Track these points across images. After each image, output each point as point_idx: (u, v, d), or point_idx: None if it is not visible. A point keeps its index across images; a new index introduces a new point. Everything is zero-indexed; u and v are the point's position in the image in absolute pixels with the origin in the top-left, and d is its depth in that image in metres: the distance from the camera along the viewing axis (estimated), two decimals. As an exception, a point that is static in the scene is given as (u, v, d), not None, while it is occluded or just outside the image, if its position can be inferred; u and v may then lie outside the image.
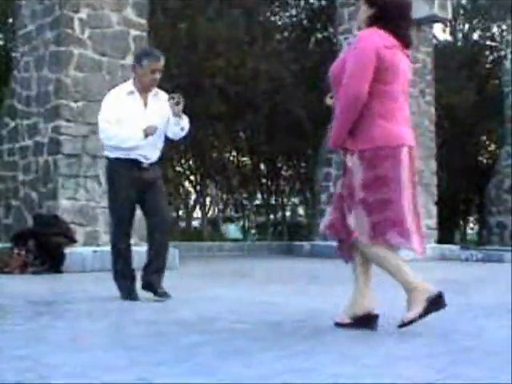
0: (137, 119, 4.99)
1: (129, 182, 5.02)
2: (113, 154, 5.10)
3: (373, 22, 3.66)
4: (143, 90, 5.07)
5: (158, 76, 5.04)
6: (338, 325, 3.72)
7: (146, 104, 5.08)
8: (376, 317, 3.65)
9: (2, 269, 7.43)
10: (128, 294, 5.06)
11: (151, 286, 5.08)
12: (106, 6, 9.05)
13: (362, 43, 3.59)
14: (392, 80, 3.59)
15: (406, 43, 3.70)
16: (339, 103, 3.60)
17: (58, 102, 8.69)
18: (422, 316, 3.52)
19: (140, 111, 5.03)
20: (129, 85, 5.15)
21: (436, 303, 3.55)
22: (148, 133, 4.94)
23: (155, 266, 5.12)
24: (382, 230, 3.52)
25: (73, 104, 8.74)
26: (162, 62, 5.06)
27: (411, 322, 3.52)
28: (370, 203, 3.51)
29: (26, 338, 3.34)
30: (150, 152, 5.09)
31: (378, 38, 3.57)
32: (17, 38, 9.67)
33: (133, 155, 5.01)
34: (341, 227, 3.67)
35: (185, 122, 5.09)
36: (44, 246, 7.69)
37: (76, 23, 8.78)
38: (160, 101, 5.11)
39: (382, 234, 3.52)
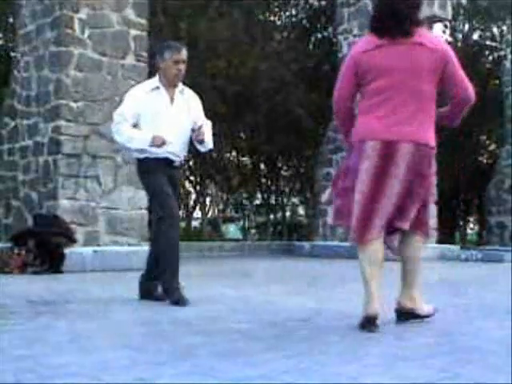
0: (162, 115, 4.89)
1: (165, 177, 4.88)
2: (142, 155, 4.95)
3: (369, 30, 3.93)
4: (169, 84, 4.96)
5: (181, 67, 4.92)
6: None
7: (172, 100, 4.97)
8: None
9: (2, 269, 7.43)
10: (178, 298, 4.73)
11: (150, 293, 5.03)
12: (106, 6, 9.06)
13: (348, 53, 3.99)
14: (374, 78, 3.74)
15: (397, 35, 3.73)
16: None
17: (57, 102, 8.70)
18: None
19: (166, 107, 4.93)
20: (154, 81, 5.03)
21: (363, 325, 3.64)
22: (154, 143, 4.79)
23: (154, 274, 5.02)
24: (343, 213, 3.87)
25: (73, 104, 8.74)
26: (183, 52, 4.95)
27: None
28: (339, 189, 3.92)
29: (26, 338, 3.34)
30: (180, 150, 5.00)
31: (360, 44, 3.89)
32: (17, 38, 9.67)
33: (162, 154, 4.89)
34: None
35: (208, 144, 5.00)
36: (44, 246, 7.69)
37: (76, 23, 8.78)
38: (186, 98, 5.04)
39: (342, 218, 3.88)
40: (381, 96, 3.73)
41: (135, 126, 4.93)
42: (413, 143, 3.73)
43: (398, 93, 3.71)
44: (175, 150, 4.97)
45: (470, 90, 3.93)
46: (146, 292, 5.07)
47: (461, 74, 3.96)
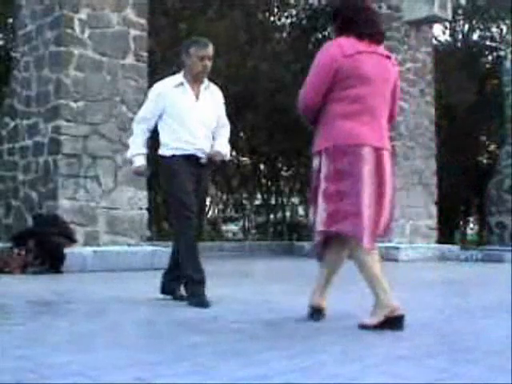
0: (188, 112, 4.85)
1: (189, 176, 4.82)
2: (169, 152, 4.89)
3: (340, 31, 3.94)
4: (194, 80, 4.92)
5: (207, 63, 4.89)
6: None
7: (197, 96, 4.93)
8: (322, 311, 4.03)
9: (2, 269, 7.43)
10: (200, 299, 4.67)
11: (172, 291, 5.02)
12: (106, 6, 9.06)
13: (321, 55, 3.89)
14: (355, 85, 3.80)
15: (373, 43, 3.88)
16: None
17: (57, 102, 8.69)
18: (375, 327, 3.64)
19: (191, 103, 4.88)
20: (178, 77, 4.97)
21: (392, 324, 3.64)
22: (135, 171, 5.02)
23: (177, 273, 4.96)
24: (337, 219, 3.75)
25: (73, 104, 8.74)
26: (210, 48, 4.90)
27: (364, 327, 3.67)
28: (329, 193, 3.76)
29: (26, 338, 3.34)
30: (207, 146, 4.94)
31: (338, 49, 3.82)
32: (17, 38, 9.67)
33: (191, 150, 4.85)
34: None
35: (226, 155, 5.11)
36: (44, 246, 7.69)
37: (76, 23, 8.78)
38: (212, 94, 5.03)
39: (336, 223, 3.75)
40: (363, 103, 3.82)
41: (160, 117, 4.92)
42: (388, 150, 3.90)
43: (377, 101, 3.86)
44: (203, 146, 4.91)
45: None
46: (170, 291, 5.05)
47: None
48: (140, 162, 4.94)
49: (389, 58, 3.95)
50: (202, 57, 4.87)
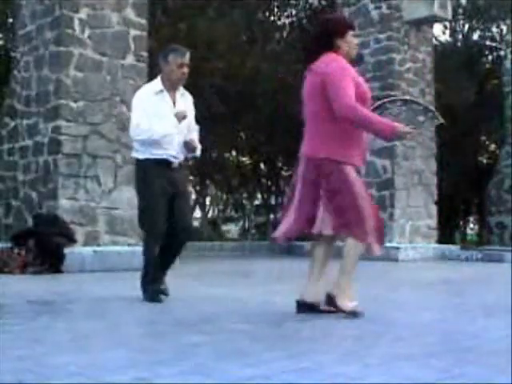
0: (166, 118, 4.94)
1: (162, 181, 4.95)
2: (143, 155, 5.02)
3: None
4: (172, 87, 5.03)
5: (185, 70, 5.01)
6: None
7: (174, 103, 5.04)
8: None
9: (1, 269, 7.43)
10: (154, 296, 4.94)
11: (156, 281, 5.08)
12: (106, 6, 9.05)
13: None
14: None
15: (314, 62, 4.26)
16: None
17: (58, 102, 8.69)
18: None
19: (169, 110, 4.98)
20: (157, 84, 5.07)
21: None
22: (178, 117, 4.92)
23: (163, 265, 5.13)
24: None
25: (73, 104, 8.74)
26: (187, 56, 5.04)
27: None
28: None
29: (26, 338, 3.34)
30: (178, 151, 5.05)
31: None
32: (17, 38, 9.67)
33: (164, 155, 4.97)
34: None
35: (197, 151, 5.14)
36: (44, 246, 7.69)
37: (76, 23, 8.78)
38: (186, 101, 5.14)
39: None
40: (305, 120, 4.36)
41: None
42: (304, 157, 4.27)
43: (306, 115, 4.33)
44: (175, 151, 5.03)
45: (342, 107, 4.09)
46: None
47: (336, 92, 4.09)
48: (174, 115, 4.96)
49: (311, 70, 4.26)
50: (180, 64, 4.99)
